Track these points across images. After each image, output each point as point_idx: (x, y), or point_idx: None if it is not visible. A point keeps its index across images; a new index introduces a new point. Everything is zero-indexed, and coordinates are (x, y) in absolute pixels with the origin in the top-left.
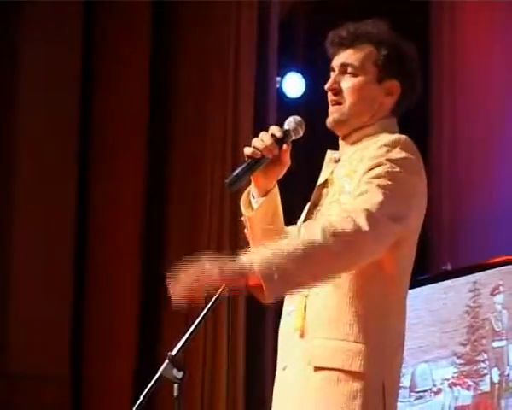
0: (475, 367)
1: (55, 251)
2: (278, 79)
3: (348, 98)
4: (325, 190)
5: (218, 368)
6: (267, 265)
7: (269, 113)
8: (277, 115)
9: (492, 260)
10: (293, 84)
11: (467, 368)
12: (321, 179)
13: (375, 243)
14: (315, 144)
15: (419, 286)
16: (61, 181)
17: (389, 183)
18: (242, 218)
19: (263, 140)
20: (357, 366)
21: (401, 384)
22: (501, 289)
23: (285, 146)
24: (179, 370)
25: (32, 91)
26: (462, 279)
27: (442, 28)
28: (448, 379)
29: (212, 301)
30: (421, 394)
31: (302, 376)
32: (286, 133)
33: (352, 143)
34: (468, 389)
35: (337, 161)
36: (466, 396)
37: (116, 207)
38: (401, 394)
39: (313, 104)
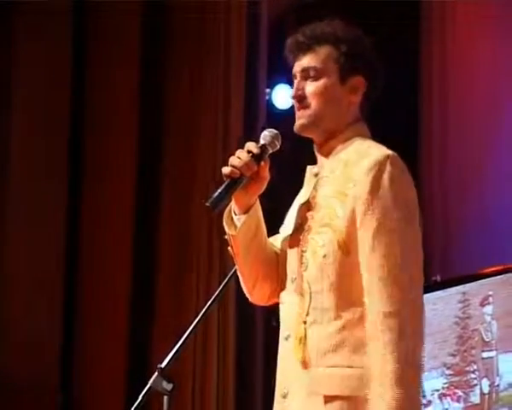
0: (465, 378)
1: (45, 258)
2: (267, 90)
3: (313, 102)
4: (311, 211)
5: (208, 380)
6: None
7: (258, 125)
8: (267, 127)
9: (482, 271)
10: (283, 96)
11: (457, 379)
12: (304, 197)
13: (420, 318)
14: (304, 157)
15: None
16: (52, 181)
17: (401, 253)
18: (226, 236)
19: (240, 158)
20: (366, 391)
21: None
22: (490, 299)
23: (263, 162)
24: (169, 382)
25: (25, 90)
26: (452, 290)
27: (432, 39)
28: (438, 390)
29: (199, 316)
30: None
31: (308, 405)
32: (263, 148)
33: (328, 155)
34: (458, 400)
35: (316, 174)
36: (456, 408)
37: (108, 214)
38: None
39: None
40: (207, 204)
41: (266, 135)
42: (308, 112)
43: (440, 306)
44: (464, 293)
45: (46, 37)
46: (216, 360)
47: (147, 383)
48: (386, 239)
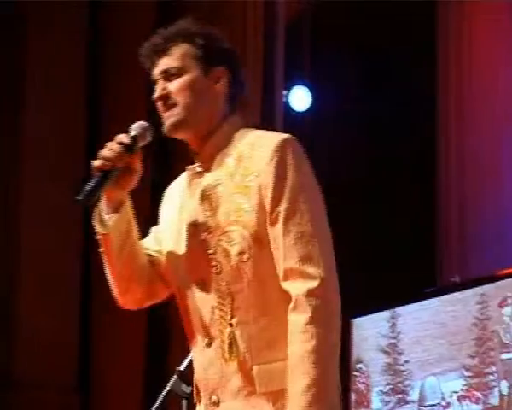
0: (484, 380)
1: (63, 259)
2: (285, 92)
3: (180, 98)
4: (203, 206)
5: None
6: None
7: (275, 127)
8: (284, 129)
9: (500, 273)
10: (300, 98)
11: (476, 380)
12: (190, 200)
13: (337, 294)
14: (319, 157)
15: (427, 298)
16: (67, 182)
17: (311, 217)
18: (97, 237)
19: (111, 149)
20: None
21: (409, 398)
22: (509, 301)
23: (134, 153)
24: (188, 385)
25: (39, 90)
26: (471, 291)
27: (448, 42)
28: (457, 392)
29: None
30: (430, 408)
31: (249, 406)
32: (133, 139)
33: (212, 155)
34: (476, 402)
35: (200, 175)
36: (475, 408)
37: None
38: (409, 407)
39: (320, 117)
40: (78, 198)
41: (137, 127)
42: (176, 110)
43: (459, 307)
44: (483, 294)
45: (60, 34)
46: None
47: (165, 385)
48: (298, 221)
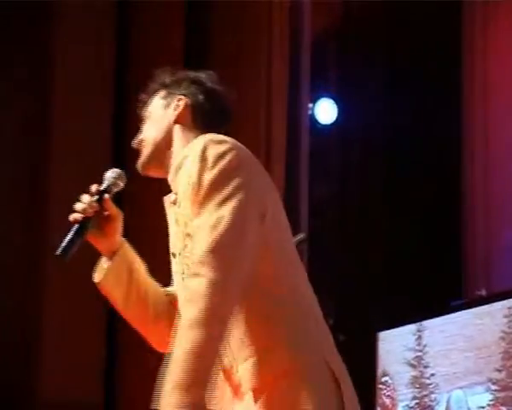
0: (511, 394)
1: (89, 272)
2: (310, 105)
3: (145, 135)
4: (175, 236)
5: None
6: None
7: (301, 139)
8: (310, 141)
9: None
10: (326, 111)
11: (502, 394)
12: (170, 227)
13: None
14: (349, 171)
15: (454, 312)
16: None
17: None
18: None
19: (82, 201)
20: (282, 367)
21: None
22: None
23: (106, 196)
24: None
25: (67, 94)
26: (498, 305)
27: (474, 43)
28: (483, 407)
29: None
30: None
31: (243, 405)
32: (106, 188)
33: (173, 182)
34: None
35: (175, 202)
36: None
37: (150, 217)
38: None
39: (345, 130)
40: (57, 253)
41: (109, 176)
42: (143, 151)
43: (486, 321)
44: (510, 308)
45: (89, 43)
46: None
47: None
48: (210, 216)
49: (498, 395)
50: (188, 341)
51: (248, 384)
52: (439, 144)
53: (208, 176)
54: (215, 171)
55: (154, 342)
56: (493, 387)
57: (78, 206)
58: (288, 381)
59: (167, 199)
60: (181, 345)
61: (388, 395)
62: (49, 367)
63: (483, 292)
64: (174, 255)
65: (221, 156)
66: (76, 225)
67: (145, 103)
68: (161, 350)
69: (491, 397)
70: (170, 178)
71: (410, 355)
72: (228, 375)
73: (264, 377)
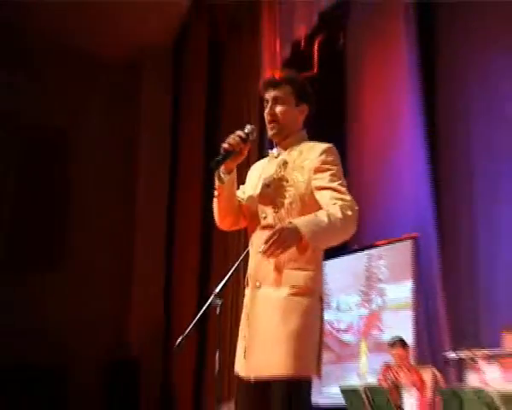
0: (369, 297)
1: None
2: None
3: (280, 118)
4: (274, 175)
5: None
6: (312, 229)
7: None
8: None
9: (378, 243)
10: None
11: (365, 297)
12: (269, 169)
13: (355, 220)
14: None
15: (345, 255)
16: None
17: (341, 181)
18: (216, 188)
19: (234, 139)
20: (310, 284)
21: (332, 304)
22: (383, 257)
23: (246, 144)
24: (220, 298)
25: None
26: (364, 253)
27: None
28: (356, 303)
29: (243, 256)
30: (343, 312)
31: (277, 292)
32: (247, 135)
33: (285, 147)
34: (365, 307)
35: (277, 156)
36: (363, 312)
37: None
38: (332, 312)
39: None
40: (211, 164)
41: (249, 127)
42: (277, 125)
43: (358, 260)
44: (368, 254)
45: None
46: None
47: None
48: (331, 173)
49: (363, 297)
50: (333, 221)
51: (288, 283)
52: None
53: (330, 158)
54: (333, 162)
55: (224, 224)
56: (361, 293)
57: (232, 141)
58: (308, 293)
59: (271, 153)
60: (329, 218)
61: None
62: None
63: (356, 246)
64: (266, 179)
65: (335, 159)
66: (225, 152)
67: (275, 85)
68: (220, 227)
69: (359, 299)
70: (280, 142)
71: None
72: (277, 268)
73: (301, 283)
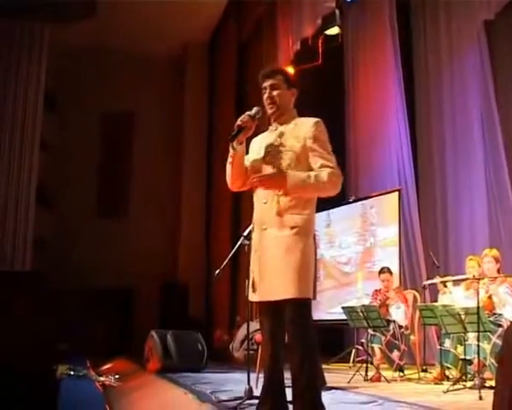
0: (364, 237)
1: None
2: None
3: (277, 100)
4: (274, 142)
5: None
6: (295, 182)
7: None
8: None
9: (371, 194)
10: None
11: (361, 237)
12: (269, 138)
13: (339, 184)
14: None
15: (347, 204)
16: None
17: (328, 149)
18: (230, 154)
19: (245, 117)
20: (307, 225)
21: (335, 243)
22: (374, 206)
23: (254, 121)
24: (248, 240)
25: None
26: (359, 203)
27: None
28: (354, 242)
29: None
30: (342, 249)
31: (280, 232)
32: (254, 114)
33: (282, 123)
34: (360, 244)
35: (275, 129)
36: (360, 249)
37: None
38: (335, 248)
39: None
40: (229, 138)
41: (255, 109)
42: (275, 105)
43: (355, 209)
44: (363, 204)
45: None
46: None
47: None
48: (322, 145)
49: (359, 237)
50: (319, 181)
51: (289, 225)
52: None
53: (319, 135)
54: (321, 133)
55: (235, 186)
56: (357, 234)
57: (244, 119)
58: (302, 232)
59: (271, 127)
60: (316, 179)
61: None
62: (182, 260)
63: (353, 197)
64: (267, 146)
65: (324, 130)
66: (238, 128)
67: (270, 76)
68: (232, 189)
69: (357, 238)
70: (278, 118)
71: (326, 223)
72: (280, 213)
73: (298, 224)
